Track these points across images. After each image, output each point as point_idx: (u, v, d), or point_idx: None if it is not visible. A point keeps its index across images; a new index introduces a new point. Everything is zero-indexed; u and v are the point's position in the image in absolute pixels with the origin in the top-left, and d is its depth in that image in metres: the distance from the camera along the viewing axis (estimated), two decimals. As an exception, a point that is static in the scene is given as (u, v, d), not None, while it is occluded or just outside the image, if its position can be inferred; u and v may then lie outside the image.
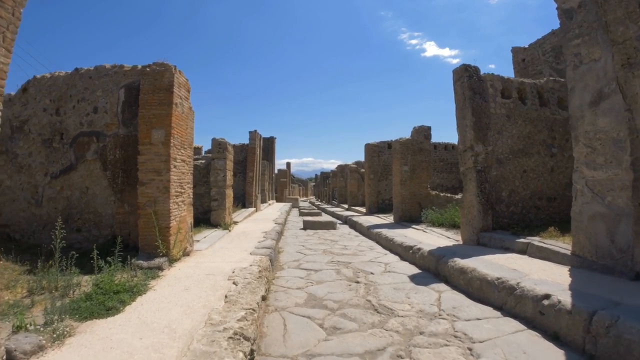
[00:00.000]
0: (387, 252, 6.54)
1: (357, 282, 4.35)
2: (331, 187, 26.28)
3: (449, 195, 10.21)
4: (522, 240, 5.33)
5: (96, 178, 5.25)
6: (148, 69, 4.73)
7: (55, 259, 3.38)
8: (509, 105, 6.96)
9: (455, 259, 4.62)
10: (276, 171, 27.22)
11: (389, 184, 13.87)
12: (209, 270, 4.01)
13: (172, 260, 4.31)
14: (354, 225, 10.51)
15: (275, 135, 23.92)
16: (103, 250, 4.13)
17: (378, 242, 7.46)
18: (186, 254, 4.91)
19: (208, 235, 6.63)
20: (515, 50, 13.80)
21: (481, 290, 3.87)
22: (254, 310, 2.74)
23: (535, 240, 5.17)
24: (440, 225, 8.47)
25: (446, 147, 15.11)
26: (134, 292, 3.31)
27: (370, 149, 13.56)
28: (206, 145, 17.23)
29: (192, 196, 5.22)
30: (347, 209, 16.56)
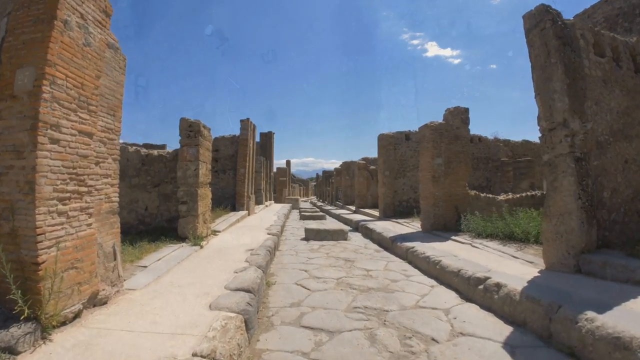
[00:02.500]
0: (434, 281, 4.35)
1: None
2: (335, 187, 24.06)
3: (490, 196, 8.03)
4: (672, 272, 3.18)
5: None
6: (27, -31, 2.58)
7: None
8: (604, 66, 4.82)
9: (589, 313, 2.46)
10: (275, 169, 24.99)
11: (406, 182, 11.69)
12: (103, 362, 1.84)
13: (47, 327, 2.15)
14: (370, 234, 8.33)
15: (275, 133, 21.73)
16: None
17: (414, 264, 5.25)
18: (100, 302, 2.75)
19: (164, 257, 4.46)
20: (557, 24, 11.63)
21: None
22: None
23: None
24: (488, 236, 6.33)
25: (472, 139, 12.89)
26: None
27: (384, 140, 11.36)
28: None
29: (116, 199, 3.05)
30: (355, 212, 14.39)
